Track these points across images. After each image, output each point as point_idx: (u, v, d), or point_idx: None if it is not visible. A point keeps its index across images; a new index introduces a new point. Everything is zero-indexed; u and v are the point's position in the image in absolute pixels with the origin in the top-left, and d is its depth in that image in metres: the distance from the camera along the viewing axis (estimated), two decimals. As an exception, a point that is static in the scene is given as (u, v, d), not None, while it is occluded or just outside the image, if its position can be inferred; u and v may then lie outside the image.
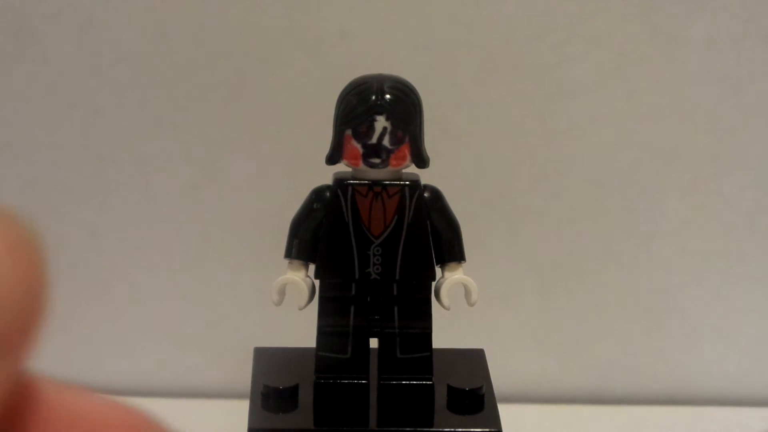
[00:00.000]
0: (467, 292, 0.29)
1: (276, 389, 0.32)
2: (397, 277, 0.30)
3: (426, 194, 0.31)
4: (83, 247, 0.53)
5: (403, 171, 0.32)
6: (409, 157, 0.30)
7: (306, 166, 0.48)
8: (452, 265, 0.30)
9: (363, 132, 0.30)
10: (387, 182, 0.30)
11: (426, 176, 0.52)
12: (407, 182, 0.31)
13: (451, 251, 0.30)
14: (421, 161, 0.30)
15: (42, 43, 0.50)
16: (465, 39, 0.50)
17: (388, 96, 0.30)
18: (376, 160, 0.30)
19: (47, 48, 0.50)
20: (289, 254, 0.32)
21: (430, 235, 0.30)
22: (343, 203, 0.31)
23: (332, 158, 0.31)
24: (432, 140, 0.52)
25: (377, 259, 0.30)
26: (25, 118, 0.51)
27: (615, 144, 0.52)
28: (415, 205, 0.30)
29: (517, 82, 0.51)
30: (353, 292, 0.31)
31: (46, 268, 0.13)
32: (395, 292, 0.30)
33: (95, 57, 0.51)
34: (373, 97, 0.30)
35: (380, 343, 0.31)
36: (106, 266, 0.53)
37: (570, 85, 0.51)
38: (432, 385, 0.30)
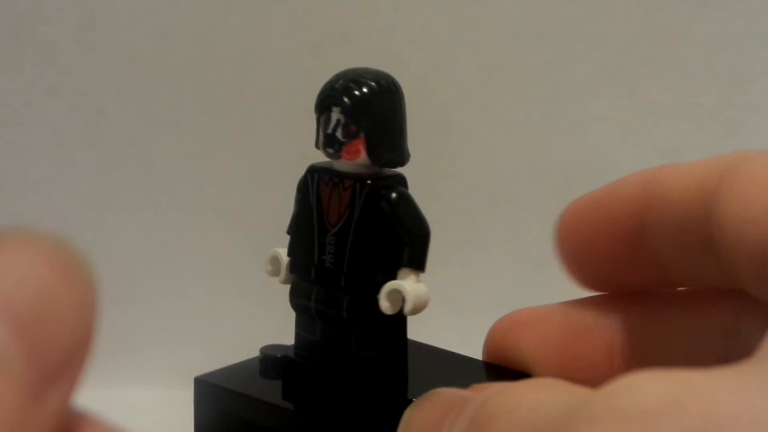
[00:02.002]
0: (404, 300, 0.29)
1: (272, 357, 0.32)
2: (345, 270, 0.30)
3: (389, 195, 0.30)
4: (85, 247, 0.53)
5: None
6: (363, 153, 0.30)
7: (309, 166, 0.48)
8: (404, 271, 0.30)
9: (324, 121, 0.30)
10: (345, 174, 0.31)
11: (426, 176, 0.53)
12: (361, 178, 0.30)
13: (404, 257, 0.30)
14: (377, 159, 0.30)
15: (44, 44, 0.51)
16: (466, 39, 0.51)
17: (345, 89, 0.30)
18: (330, 150, 0.30)
19: (50, 49, 0.51)
20: (288, 230, 0.33)
21: (389, 237, 0.30)
22: (311, 188, 0.32)
23: (315, 143, 0.31)
24: (432, 140, 0.52)
25: (331, 248, 0.30)
26: (28, 118, 0.51)
27: (617, 143, 0.52)
28: (364, 202, 0.30)
29: (519, 81, 0.51)
30: (312, 276, 0.31)
31: (97, 295, 0.14)
32: (343, 284, 0.30)
33: (97, 58, 0.51)
34: (331, 89, 0.30)
35: (337, 332, 0.31)
36: (109, 266, 0.53)
37: (571, 84, 0.51)
38: (383, 386, 0.30)
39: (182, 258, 0.53)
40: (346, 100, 0.30)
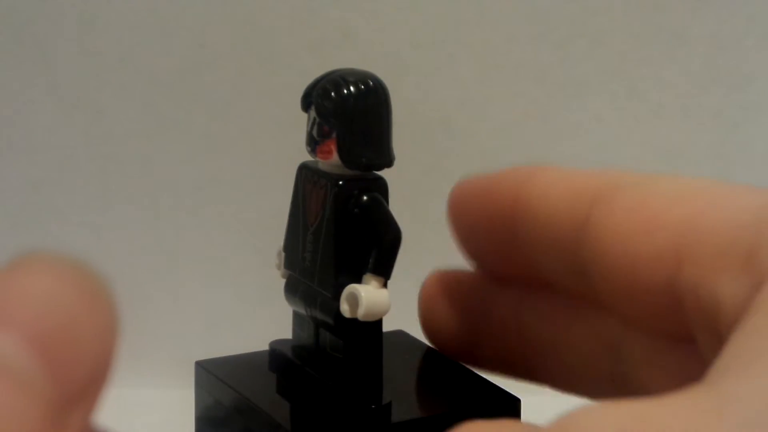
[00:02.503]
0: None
1: (273, 351, 0.33)
2: (317, 269, 0.30)
3: (360, 198, 0.30)
4: (86, 247, 0.53)
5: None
6: (335, 153, 0.30)
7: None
8: (368, 276, 0.30)
9: (308, 119, 0.31)
10: (323, 173, 0.31)
11: (426, 176, 0.53)
12: (334, 178, 0.30)
13: (369, 262, 0.30)
14: (347, 161, 0.30)
15: (44, 44, 0.51)
16: (466, 38, 0.51)
17: (322, 89, 0.30)
18: (308, 148, 0.31)
19: (49, 49, 0.51)
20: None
21: (358, 240, 0.30)
22: (299, 185, 0.32)
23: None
24: (432, 140, 0.52)
25: (309, 246, 0.30)
26: (27, 119, 0.51)
27: (617, 142, 0.52)
28: (333, 202, 0.30)
29: (519, 81, 0.51)
30: (297, 272, 0.31)
31: (119, 320, 0.14)
32: (315, 283, 0.30)
33: (97, 57, 0.51)
34: (311, 88, 0.31)
35: (316, 331, 0.31)
36: (109, 266, 0.53)
37: (572, 84, 0.51)
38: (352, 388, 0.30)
39: (182, 258, 0.53)
40: (320, 100, 0.30)
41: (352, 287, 0.29)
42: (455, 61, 0.51)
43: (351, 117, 0.30)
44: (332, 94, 0.30)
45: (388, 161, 0.31)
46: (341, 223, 0.30)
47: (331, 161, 0.30)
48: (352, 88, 0.30)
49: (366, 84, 0.30)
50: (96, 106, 0.51)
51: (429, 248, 0.54)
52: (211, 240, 0.53)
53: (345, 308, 0.29)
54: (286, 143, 0.52)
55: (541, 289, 0.24)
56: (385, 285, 0.30)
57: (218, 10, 0.50)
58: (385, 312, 0.29)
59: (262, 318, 0.52)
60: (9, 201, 0.52)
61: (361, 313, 0.29)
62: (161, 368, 0.54)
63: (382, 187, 0.31)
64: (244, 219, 0.52)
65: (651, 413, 0.14)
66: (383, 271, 0.30)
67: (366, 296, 0.29)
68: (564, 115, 0.51)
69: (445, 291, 0.29)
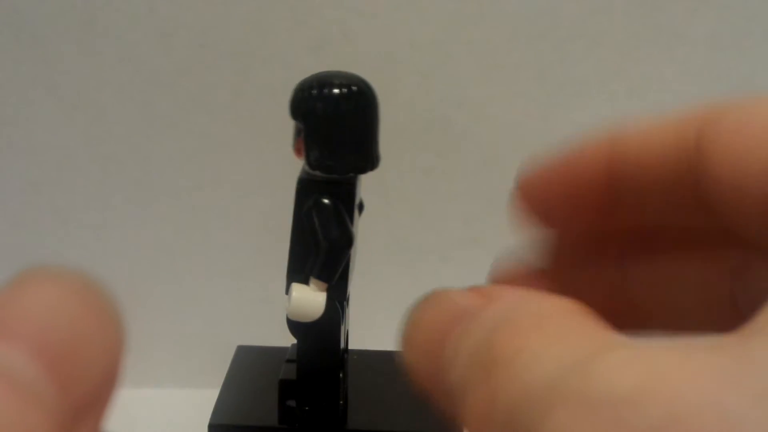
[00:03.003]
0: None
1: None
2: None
3: (308, 201, 0.31)
4: (86, 247, 0.53)
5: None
6: (303, 151, 0.30)
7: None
8: (311, 278, 0.30)
9: None
10: (300, 173, 0.31)
11: (426, 176, 0.53)
12: (299, 179, 0.31)
13: (311, 264, 0.30)
14: (307, 162, 0.30)
15: (44, 45, 0.51)
16: (467, 38, 0.51)
17: (299, 90, 0.30)
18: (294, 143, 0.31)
19: (49, 49, 0.51)
20: None
21: (307, 242, 0.31)
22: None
23: None
24: (432, 140, 0.52)
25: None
26: (28, 119, 0.51)
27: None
28: (294, 204, 0.31)
29: (519, 81, 0.51)
30: None
31: (125, 333, 0.14)
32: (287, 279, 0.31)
33: (97, 58, 0.51)
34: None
35: None
36: (109, 266, 0.53)
37: (572, 84, 0.51)
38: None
39: (182, 257, 0.53)
40: (292, 100, 0.30)
41: (293, 286, 0.29)
42: (455, 60, 0.51)
43: (312, 118, 0.30)
44: (304, 94, 0.30)
45: (348, 167, 0.30)
46: (295, 224, 0.30)
47: (298, 157, 0.30)
48: (327, 91, 0.29)
49: (351, 89, 0.29)
50: (96, 106, 0.51)
51: (429, 248, 0.54)
52: (211, 240, 0.53)
53: (286, 305, 0.30)
54: (286, 143, 0.52)
55: (644, 241, 0.24)
56: (326, 289, 0.30)
57: (218, 10, 0.50)
58: (315, 315, 0.29)
59: (262, 317, 0.52)
60: (9, 201, 0.52)
61: (288, 312, 0.29)
62: (161, 368, 0.54)
63: (343, 192, 0.30)
64: (244, 219, 0.52)
65: (672, 372, 0.14)
66: (322, 275, 0.30)
67: (295, 296, 0.29)
68: (564, 115, 0.51)
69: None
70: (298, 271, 0.30)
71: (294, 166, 0.51)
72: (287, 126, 0.51)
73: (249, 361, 0.35)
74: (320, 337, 0.31)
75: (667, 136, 0.21)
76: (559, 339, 0.16)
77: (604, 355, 0.15)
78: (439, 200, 0.52)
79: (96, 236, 0.53)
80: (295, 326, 0.30)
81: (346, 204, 0.31)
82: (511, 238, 0.26)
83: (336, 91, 0.29)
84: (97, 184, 0.52)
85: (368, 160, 0.30)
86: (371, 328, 0.44)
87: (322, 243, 0.30)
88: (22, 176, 0.52)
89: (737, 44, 0.51)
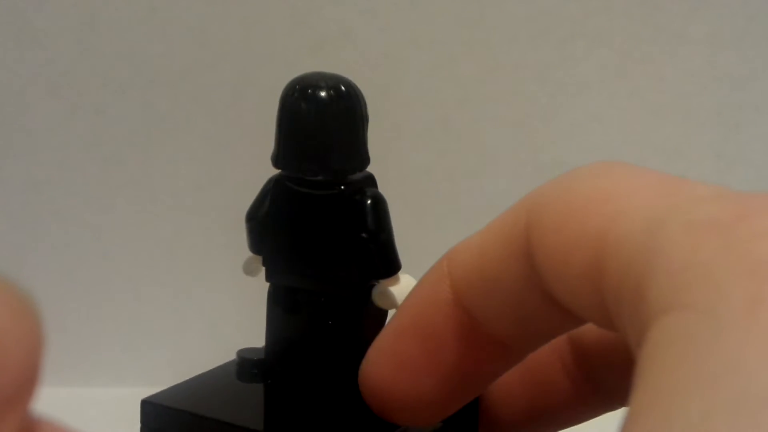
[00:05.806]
0: None
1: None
2: None
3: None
4: (86, 247, 0.53)
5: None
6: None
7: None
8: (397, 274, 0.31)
9: None
10: None
11: (426, 176, 0.53)
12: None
13: None
14: (272, 160, 0.29)
15: (44, 45, 0.51)
16: (467, 38, 0.51)
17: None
18: None
19: (50, 49, 0.51)
20: None
21: None
22: None
23: None
24: (432, 140, 0.52)
25: None
26: (28, 119, 0.51)
27: (618, 142, 0.52)
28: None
29: (519, 81, 0.51)
30: None
31: (44, 333, 0.14)
32: None
33: (98, 58, 0.51)
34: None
35: None
36: (110, 266, 0.53)
37: (572, 84, 0.51)
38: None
39: (182, 257, 0.53)
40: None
41: (402, 276, 0.30)
42: (455, 61, 0.51)
43: (281, 117, 0.29)
44: (285, 91, 0.29)
45: (309, 172, 0.29)
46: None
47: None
48: (309, 92, 0.28)
49: (333, 92, 0.28)
50: (96, 106, 0.51)
51: (428, 248, 0.54)
52: (211, 240, 0.53)
53: (381, 300, 0.30)
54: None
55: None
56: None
57: (218, 10, 0.50)
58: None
59: (262, 317, 0.52)
60: (9, 201, 0.52)
61: (400, 301, 0.30)
62: (161, 368, 0.54)
63: (278, 186, 0.30)
64: (244, 219, 0.52)
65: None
66: (397, 264, 0.31)
67: (410, 282, 0.30)
68: (564, 115, 0.51)
69: None
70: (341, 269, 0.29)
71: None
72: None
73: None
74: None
75: (499, 245, 0.21)
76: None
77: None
78: (439, 200, 0.52)
79: (96, 236, 0.53)
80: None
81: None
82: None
83: (325, 94, 0.28)
84: (97, 184, 0.52)
85: (321, 168, 0.29)
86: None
87: (380, 236, 0.30)
88: (22, 176, 0.52)
89: (737, 44, 0.51)
